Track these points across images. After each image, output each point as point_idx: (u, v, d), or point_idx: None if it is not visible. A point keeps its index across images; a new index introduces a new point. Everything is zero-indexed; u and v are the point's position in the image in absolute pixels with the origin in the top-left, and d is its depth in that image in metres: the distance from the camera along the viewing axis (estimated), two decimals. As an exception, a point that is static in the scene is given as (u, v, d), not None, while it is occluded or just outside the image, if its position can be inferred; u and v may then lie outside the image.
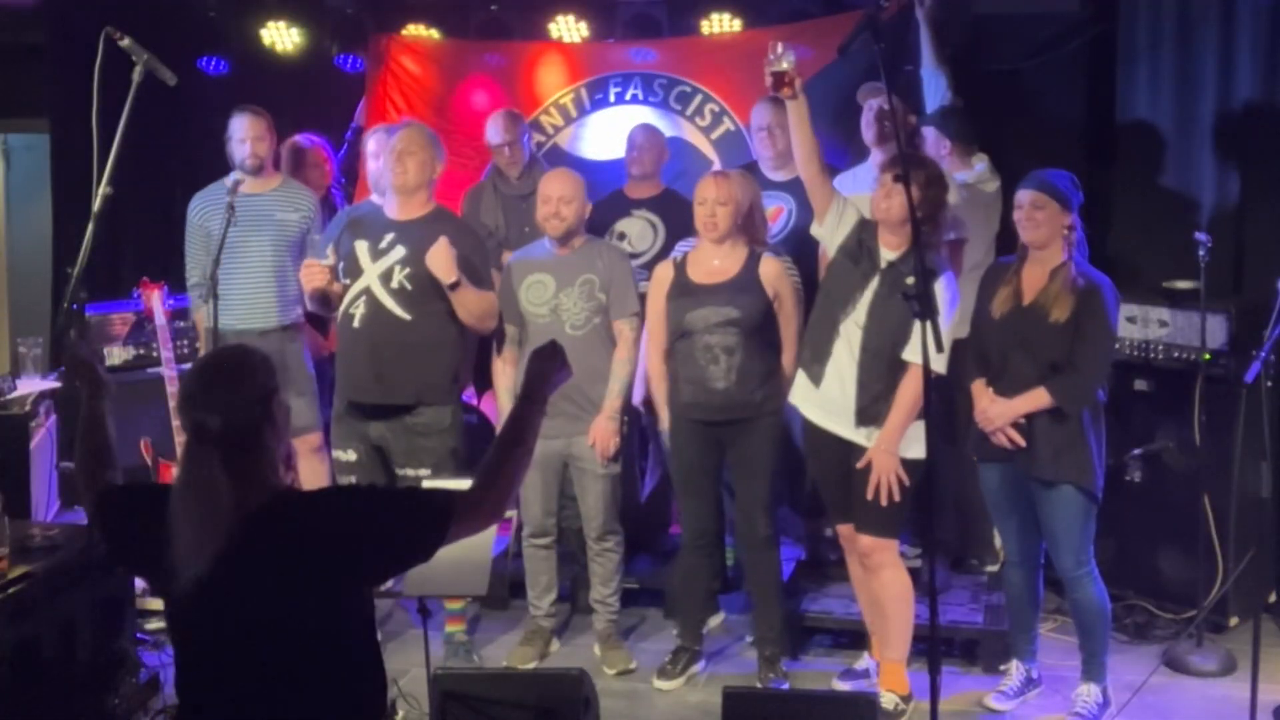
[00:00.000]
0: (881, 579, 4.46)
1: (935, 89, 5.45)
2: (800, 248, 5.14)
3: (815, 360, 4.45)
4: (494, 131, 5.69)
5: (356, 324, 4.73)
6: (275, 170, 5.56)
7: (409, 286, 4.68)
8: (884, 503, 4.31)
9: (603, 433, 4.80)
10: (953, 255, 4.96)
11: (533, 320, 4.84)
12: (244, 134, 5.36)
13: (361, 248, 4.75)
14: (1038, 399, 4.26)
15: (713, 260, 4.67)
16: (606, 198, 5.57)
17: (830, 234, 4.49)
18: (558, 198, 4.79)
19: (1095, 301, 4.23)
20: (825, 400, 4.42)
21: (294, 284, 5.28)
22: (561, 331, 4.79)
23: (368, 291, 4.72)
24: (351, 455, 4.85)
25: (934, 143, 5.34)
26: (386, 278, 4.70)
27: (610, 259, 4.88)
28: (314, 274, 4.72)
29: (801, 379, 4.50)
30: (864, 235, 4.42)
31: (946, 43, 5.54)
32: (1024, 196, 4.31)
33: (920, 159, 4.47)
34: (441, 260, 4.58)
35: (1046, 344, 4.25)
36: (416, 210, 4.78)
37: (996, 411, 4.33)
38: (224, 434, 2.56)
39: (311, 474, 5.77)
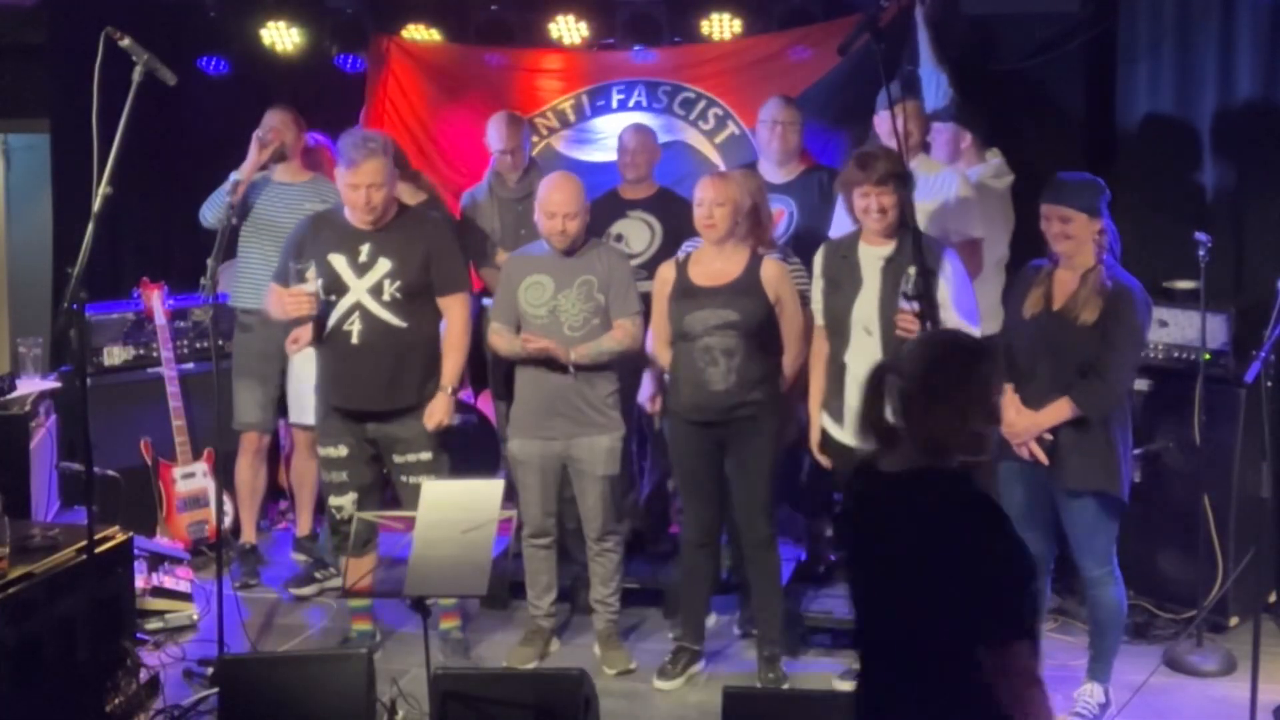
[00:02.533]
0: None
1: (936, 88, 5.44)
2: (802, 250, 5.15)
3: (833, 396, 4.50)
4: (496, 137, 5.68)
5: (355, 340, 4.71)
6: (307, 166, 5.80)
7: (399, 296, 4.71)
8: None
9: (571, 354, 4.74)
10: (970, 254, 4.99)
11: (531, 321, 4.84)
12: (267, 124, 5.66)
13: (340, 262, 4.71)
14: (1061, 411, 4.22)
15: (714, 262, 4.67)
16: (601, 198, 5.57)
17: None
18: (563, 214, 4.77)
19: (1122, 306, 4.18)
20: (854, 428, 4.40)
21: None
22: (560, 332, 4.79)
23: (360, 306, 4.71)
24: (343, 450, 4.84)
25: (953, 137, 5.33)
26: (377, 291, 4.70)
27: (610, 260, 4.87)
28: (301, 303, 4.62)
29: (826, 419, 4.55)
30: (842, 253, 4.45)
31: (946, 42, 5.54)
32: (1051, 211, 4.25)
33: (880, 152, 4.43)
34: (440, 418, 4.77)
35: (1073, 349, 4.21)
36: (386, 217, 4.76)
37: (1023, 425, 4.28)
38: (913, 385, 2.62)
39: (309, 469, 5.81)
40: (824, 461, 4.62)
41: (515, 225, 5.60)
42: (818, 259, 4.56)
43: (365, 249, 4.71)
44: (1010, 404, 4.36)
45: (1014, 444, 4.33)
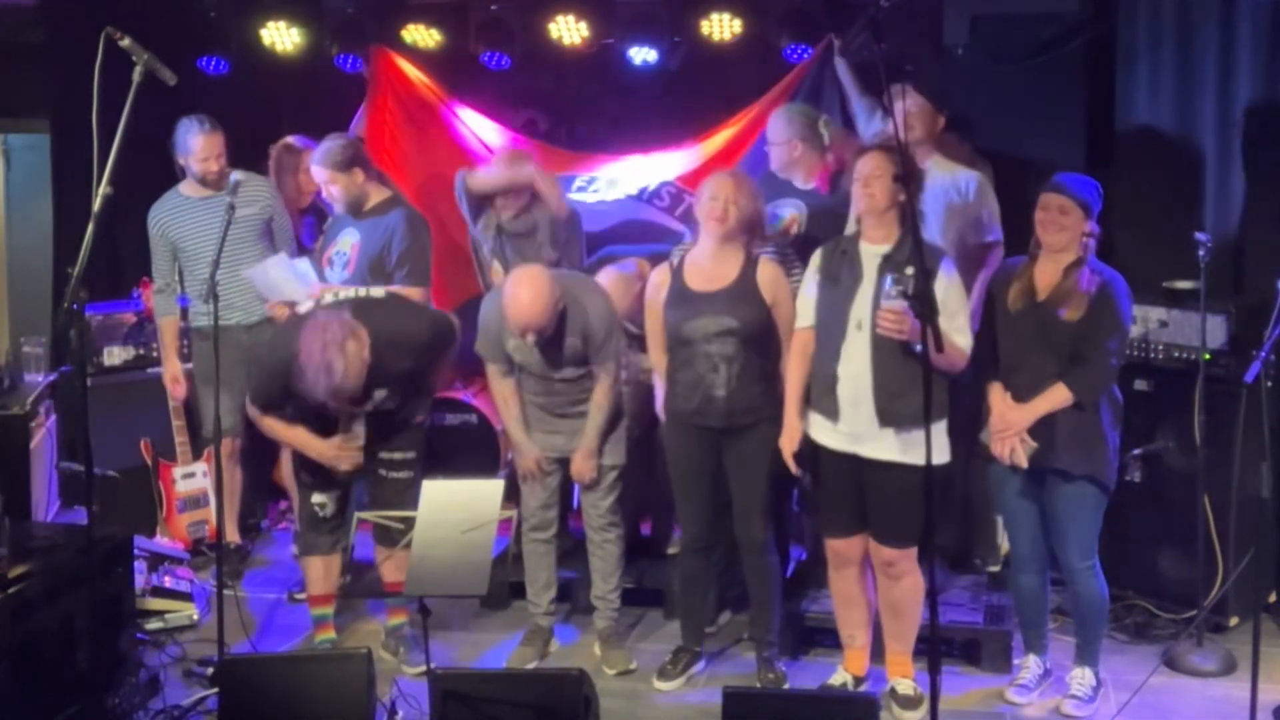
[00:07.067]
0: (904, 585, 4.45)
1: (868, 119, 5.56)
2: (803, 249, 5.16)
3: (825, 394, 4.39)
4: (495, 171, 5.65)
5: None
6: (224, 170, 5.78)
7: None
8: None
9: (579, 469, 4.86)
10: (981, 259, 4.99)
11: (522, 366, 4.87)
12: (205, 153, 5.66)
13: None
14: (1056, 396, 4.31)
15: (710, 265, 4.64)
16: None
17: None
18: (535, 329, 4.62)
19: (1107, 296, 4.31)
20: (850, 428, 4.35)
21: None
22: (550, 379, 4.81)
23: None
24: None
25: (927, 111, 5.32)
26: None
27: (590, 313, 4.77)
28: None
29: (817, 418, 4.44)
30: (842, 248, 4.41)
31: (871, 78, 5.55)
32: (1051, 199, 4.34)
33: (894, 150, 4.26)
34: None
35: (1063, 340, 4.31)
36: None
37: (1017, 416, 4.36)
38: None
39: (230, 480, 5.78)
40: (793, 468, 4.50)
41: (513, 260, 5.53)
42: (816, 258, 4.49)
43: None
44: (1000, 398, 4.40)
45: (1000, 439, 4.38)
